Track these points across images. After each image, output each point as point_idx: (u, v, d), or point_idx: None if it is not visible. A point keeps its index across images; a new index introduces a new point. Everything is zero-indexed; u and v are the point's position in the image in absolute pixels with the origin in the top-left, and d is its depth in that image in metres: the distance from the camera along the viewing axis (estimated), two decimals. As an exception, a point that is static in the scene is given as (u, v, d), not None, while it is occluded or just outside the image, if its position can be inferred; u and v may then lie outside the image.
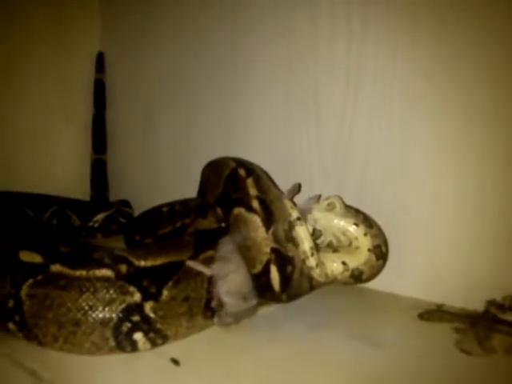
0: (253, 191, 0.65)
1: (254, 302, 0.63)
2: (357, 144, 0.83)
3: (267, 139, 0.94)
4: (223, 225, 0.70)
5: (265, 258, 0.63)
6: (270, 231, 0.63)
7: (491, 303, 0.70)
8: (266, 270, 0.63)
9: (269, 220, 0.64)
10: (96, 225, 1.13)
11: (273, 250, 0.63)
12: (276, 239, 0.63)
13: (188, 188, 0.87)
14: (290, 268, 0.64)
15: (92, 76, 1.28)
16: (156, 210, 0.95)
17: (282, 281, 0.64)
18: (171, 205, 0.94)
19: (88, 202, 1.23)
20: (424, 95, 0.76)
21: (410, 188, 0.79)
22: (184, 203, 0.89)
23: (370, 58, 0.81)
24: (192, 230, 0.73)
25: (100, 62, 1.29)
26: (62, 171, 1.28)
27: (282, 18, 0.90)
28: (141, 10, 1.19)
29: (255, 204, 0.64)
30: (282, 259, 0.64)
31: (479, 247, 0.73)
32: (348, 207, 0.75)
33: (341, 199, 0.75)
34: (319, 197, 0.73)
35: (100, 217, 1.14)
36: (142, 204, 1.10)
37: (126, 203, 1.20)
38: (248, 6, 0.96)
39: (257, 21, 0.95)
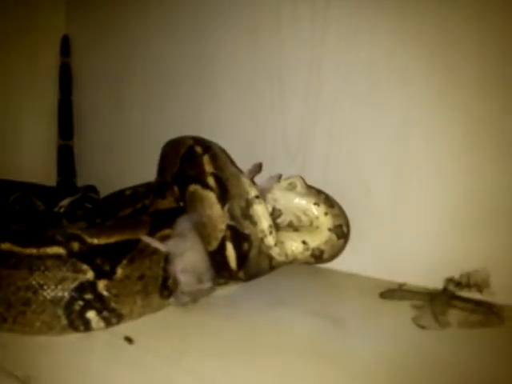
0: (208, 168, 0.64)
1: (210, 280, 0.63)
2: (320, 125, 0.83)
3: (232, 122, 0.94)
4: (182, 204, 0.69)
5: (220, 235, 0.62)
6: (226, 208, 0.62)
7: (449, 280, 0.70)
8: (221, 247, 0.63)
9: (224, 197, 0.63)
10: (61, 210, 1.11)
11: (228, 227, 0.63)
12: (232, 216, 0.63)
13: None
14: (246, 245, 0.64)
15: (57, 60, 1.26)
16: (119, 194, 0.95)
17: (238, 258, 0.63)
18: (134, 188, 0.93)
19: (54, 188, 1.21)
20: (389, 73, 0.76)
21: (373, 170, 0.79)
22: (148, 186, 0.88)
23: (333, 37, 0.81)
24: (152, 210, 0.72)
25: (65, 46, 1.26)
26: (27, 157, 1.26)
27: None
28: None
29: (211, 181, 0.64)
30: (238, 236, 0.63)
31: (440, 227, 0.73)
32: (309, 187, 0.75)
33: (302, 179, 0.74)
34: (280, 176, 0.72)
35: (65, 202, 1.12)
36: (111, 190, 1.08)
37: (92, 189, 1.18)
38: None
39: (225, 7, 0.94)
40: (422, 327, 0.61)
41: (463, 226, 0.72)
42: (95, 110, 1.25)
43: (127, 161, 1.19)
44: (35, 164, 1.27)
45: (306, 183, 0.74)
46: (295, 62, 0.85)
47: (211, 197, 0.62)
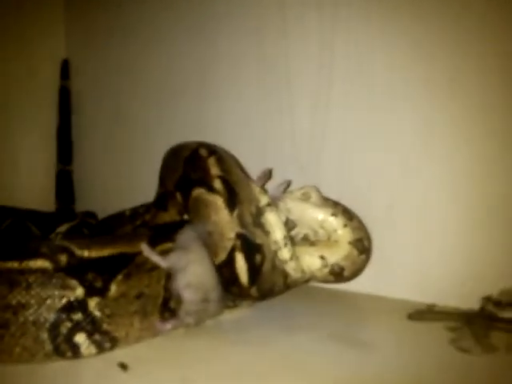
0: (215, 170, 0.57)
1: (218, 298, 0.55)
2: (333, 132, 0.77)
3: (239, 131, 0.87)
4: (186, 217, 0.62)
5: (229, 245, 0.55)
6: (235, 214, 0.55)
7: (487, 300, 0.64)
8: (230, 259, 0.55)
9: (233, 201, 0.56)
10: (59, 236, 1.04)
11: (238, 236, 0.55)
12: (242, 223, 0.55)
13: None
14: (258, 257, 0.56)
15: (57, 83, 1.21)
16: (118, 215, 0.89)
17: (249, 271, 0.55)
18: (134, 209, 0.87)
19: (51, 213, 1.15)
20: (406, 75, 0.70)
21: (394, 177, 0.72)
22: (148, 205, 0.81)
23: (342, 41, 0.76)
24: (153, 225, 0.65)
25: (65, 69, 1.23)
26: (24, 183, 1.20)
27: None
28: (105, 13, 1.14)
29: (217, 184, 0.56)
30: (250, 246, 0.56)
31: (471, 240, 0.67)
32: (325, 198, 0.68)
33: (317, 189, 0.67)
34: (289, 183, 0.65)
35: (63, 228, 1.06)
36: (111, 216, 1.02)
37: (91, 215, 1.12)
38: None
39: (230, 8, 0.89)
40: (464, 351, 0.54)
41: (497, 237, 0.65)
42: (95, 134, 1.20)
43: (129, 186, 1.13)
44: (33, 190, 1.21)
45: (321, 194, 0.67)
46: (303, 66, 0.80)
47: (218, 201, 0.55)
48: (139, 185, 1.10)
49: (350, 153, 0.75)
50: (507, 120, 0.63)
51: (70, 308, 0.50)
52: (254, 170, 0.71)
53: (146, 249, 0.54)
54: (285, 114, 0.81)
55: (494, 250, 0.65)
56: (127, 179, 1.13)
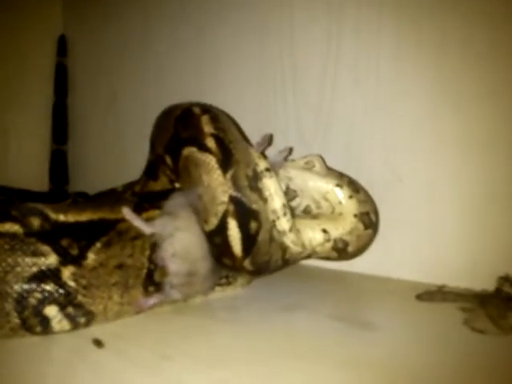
0: (208, 128, 0.51)
1: (207, 271, 0.49)
2: (340, 105, 0.72)
3: (237, 105, 0.82)
4: (177, 185, 0.57)
5: (221, 210, 0.49)
6: (229, 175, 0.49)
7: (504, 280, 0.58)
8: (222, 226, 0.49)
9: (227, 161, 0.50)
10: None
11: (232, 200, 0.49)
12: (236, 186, 0.49)
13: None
14: (254, 225, 0.50)
15: (53, 60, 1.16)
16: (111, 190, 0.84)
17: (243, 240, 0.49)
18: (128, 184, 0.82)
19: (43, 193, 1.11)
20: (414, 48, 0.65)
21: (403, 151, 0.67)
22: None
23: (352, 7, 0.70)
24: (141, 194, 0.60)
25: (62, 46, 1.18)
26: (17, 162, 1.16)
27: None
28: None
29: (210, 142, 0.50)
30: (244, 212, 0.50)
31: (486, 216, 0.61)
32: (330, 169, 0.63)
33: (321, 158, 0.62)
34: (290, 150, 0.60)
35: (55, 208, 1.01)
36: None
37: (84, 195, 1.08)
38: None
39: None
40: (479, 331, 0.49)
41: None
42: (91, 113, 1.16)
43: (124, 167, 1.09)
44: (27, 170, 1.17)
45: (325, 164, 0.61)
46: (309, 36, 0.74)
47: (210, 161, 0.49)
48: (135, 165, 1.05)
49: (359, 126, 0.70)
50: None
51: (40, 277, 0.44)
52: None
53: (127, 212, 0.48)
54: (288, 93, 0.76)
55: (506, 228, 0.60)
56: (123, 160, 1.08)
